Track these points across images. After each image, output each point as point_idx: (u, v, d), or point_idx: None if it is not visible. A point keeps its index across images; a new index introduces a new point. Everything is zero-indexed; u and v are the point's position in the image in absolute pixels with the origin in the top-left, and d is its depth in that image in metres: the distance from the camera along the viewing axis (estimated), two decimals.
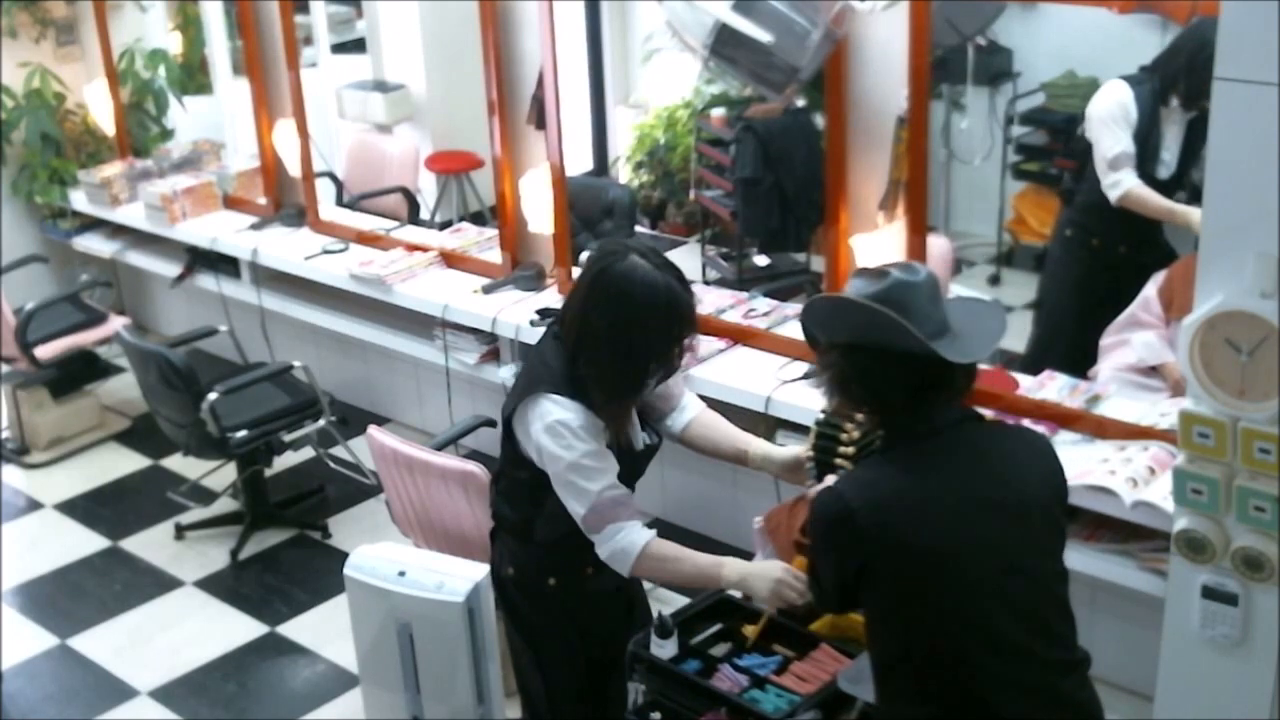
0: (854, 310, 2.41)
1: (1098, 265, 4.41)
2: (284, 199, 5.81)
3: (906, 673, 2.49)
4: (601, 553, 2.88)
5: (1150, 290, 4.03)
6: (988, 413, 3.05)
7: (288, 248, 5.52)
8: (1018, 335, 5.12)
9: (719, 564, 2.91)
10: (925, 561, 2.38)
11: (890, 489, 2.42)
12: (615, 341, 2.80)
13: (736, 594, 3.18)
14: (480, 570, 3.27)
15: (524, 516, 3.02)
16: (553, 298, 4.80)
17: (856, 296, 2.41)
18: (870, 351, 2.41)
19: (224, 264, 5.81)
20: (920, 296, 2.41)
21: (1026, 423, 3.61)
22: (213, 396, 4.67)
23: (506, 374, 4.75)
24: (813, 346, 2.57)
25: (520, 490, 3.00)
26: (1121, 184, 4.19)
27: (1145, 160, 4.21)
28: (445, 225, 5.82)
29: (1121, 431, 3.65)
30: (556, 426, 2.81)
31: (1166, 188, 4.23)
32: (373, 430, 3.94)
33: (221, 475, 5.19)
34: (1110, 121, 4.22)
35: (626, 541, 2.86)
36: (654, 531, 2.90)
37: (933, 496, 2.41)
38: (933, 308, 2.42)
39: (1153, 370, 3.98)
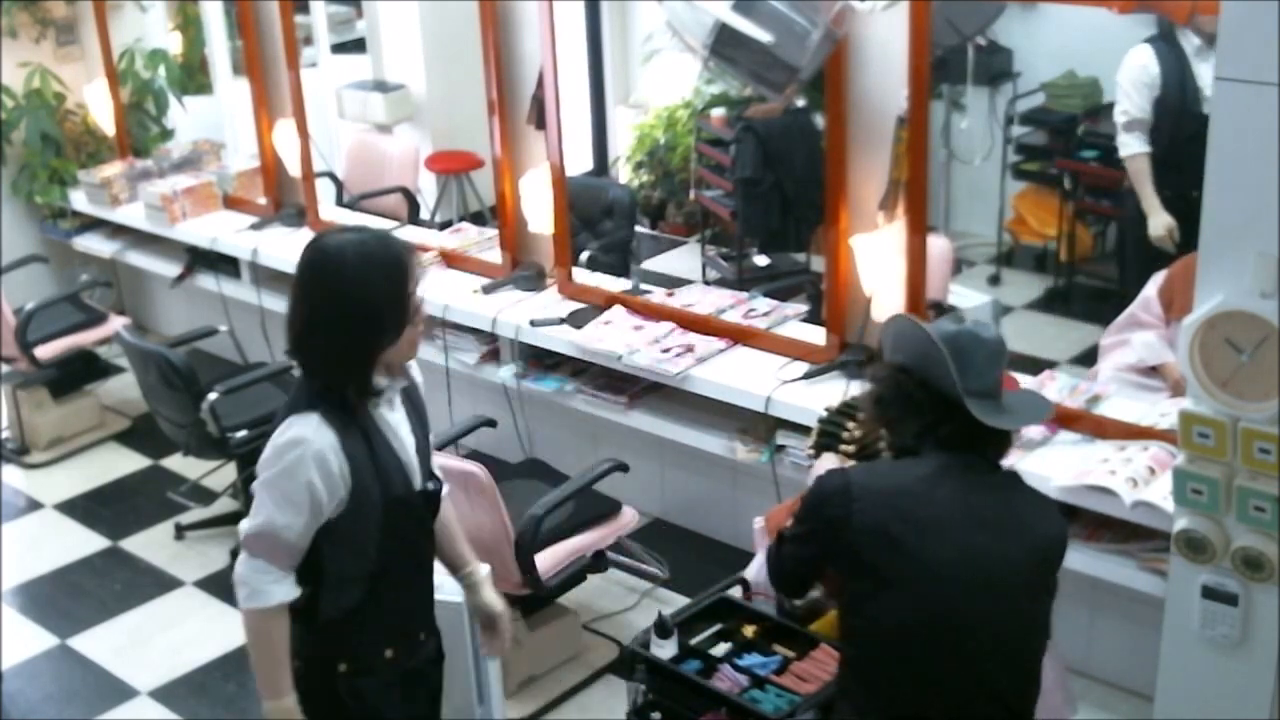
0: (918, 337, 2.55)
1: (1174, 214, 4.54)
2: (284, 199, 5.81)
3: (861, 672, 2.57)
4: (237, 570, 2.58)
5: (1150, 290, 4.03)
6: None
7: (288, 248, 5.51)
8: (1019, 335, 5.13)
9: (280, 688, 2.60)
10: (905, 555, 2.46)
11: (894, 483, 2.53)
12: (328, 310, 2.56)
13: (736, 593, 3.19)
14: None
15: (306, 593, 2.62)
16: (553, 298, 4.80)
17: (928, 328, 2.55)
18: (914, 379, 2.54)
19: (224, 264, 5.81)
20: (979, 353, 2.52)
21: (1027, 431, 3.62)
22: (213, 396, 4.67)
23: (506, 374, 4.75)
24: (879, 358, 2.71)
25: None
26: (1128, 146, 4.48)
27: (1184, 110, 4.35)
28: (445, 225, 5.82)
29: (1121, 431, 3.65)
30: (285, 443, 2.52)
31: None
32: None
33: (221, 475, 5.19)
34: (1130, 86, 4.46)
35: (265, 587, 2.55)
36: (291, 599, 2.58)
37: (933, 504, 2.49)
38: (988, 369, 2.53)
39: (1153, 370, 3.98)
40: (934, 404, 2.52)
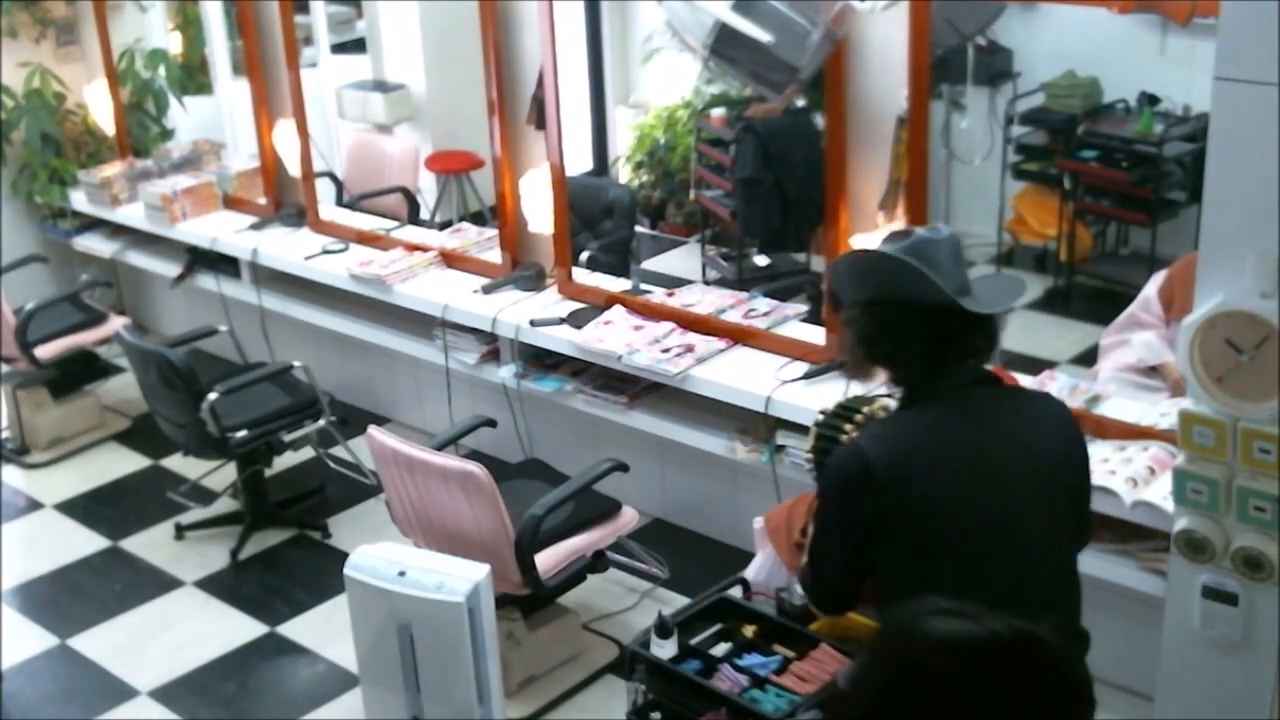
0: (880, 263, 2.47)
1: None
2: (284, 199, 5.81)
3: None
4: None
5: (1150, 290, 4.03)
6: None
7: (288, 248, 5.52)
8: (1019, 335, 5.12)
9: None
10: (940, 514, 2.42)
11: (906, 443, 2.47)
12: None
13: (736, 593, 3.19)
14: (480, 570, 3.28)
15: None
16: (553, 298, 4.80)
17: (883, 252, 2.47)
18: (893, 305, 2.45)
19: (224, 264, 5.81)
20: (943, 253, 2.46)
21: None
22: (213, 396, 4.67)
23: (506, 374, 4.75)
24: (836, 308, 2.61)
25: None
26: None
27: None
28: (445, 225, 5.82)
29: (1121, 431, 3.65)
30: None
31: None
32: (373, 430, 3.94)
33: (221, 475, 5.19)
34: None
35: None
36: None
37: (948, 452, 2.45)
38: (955, 266, 2.47)
39: (1153, 370, 3.98)
40: (923, 321, 2.43)
